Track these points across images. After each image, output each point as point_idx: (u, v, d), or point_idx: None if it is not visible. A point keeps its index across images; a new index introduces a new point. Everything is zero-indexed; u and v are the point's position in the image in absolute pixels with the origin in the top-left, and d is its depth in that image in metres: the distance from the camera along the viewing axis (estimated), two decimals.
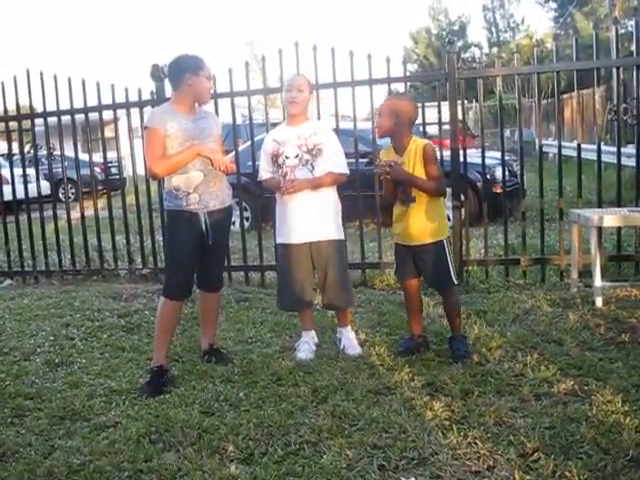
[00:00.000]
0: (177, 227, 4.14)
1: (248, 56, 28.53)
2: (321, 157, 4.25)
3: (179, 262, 4.14)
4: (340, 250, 4.40)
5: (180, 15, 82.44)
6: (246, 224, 8.32)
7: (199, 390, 3.86)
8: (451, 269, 4.23)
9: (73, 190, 10.46)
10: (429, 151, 4.10)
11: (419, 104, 5.46)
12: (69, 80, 6.75)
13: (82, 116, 7.03)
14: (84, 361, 4.54)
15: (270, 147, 4.36)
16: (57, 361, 4.55)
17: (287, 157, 4.26)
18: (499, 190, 8.24)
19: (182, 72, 4.06)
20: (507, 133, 19.36)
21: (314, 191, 4.25)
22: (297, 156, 4.24)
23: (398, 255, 4.37)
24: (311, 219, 4.26)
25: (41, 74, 6.83)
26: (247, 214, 9.62)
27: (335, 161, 4.30)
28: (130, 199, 7.10)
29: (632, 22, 6.65)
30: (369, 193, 6.09)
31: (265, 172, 4.43)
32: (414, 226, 4.15)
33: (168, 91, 5.43)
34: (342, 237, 4.43)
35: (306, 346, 4.40)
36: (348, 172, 4.40)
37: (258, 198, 6.53)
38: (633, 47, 5.70)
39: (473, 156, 7.13)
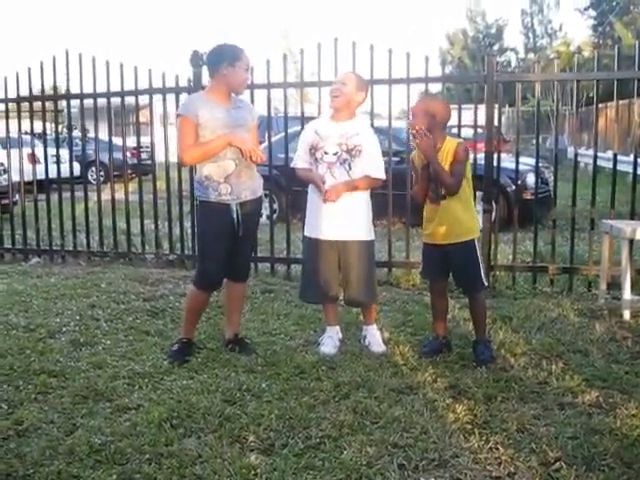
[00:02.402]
0: (209, 218, 4.16)
1: (284, 49, 28.46)
2: (360, 158, 4.23)
3: (211, 254, 4.16)
4: (369, 250, 4.39)
5: (220, 3, 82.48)
6: (274, 216, 8.34)
7: (222, 378, 3.87)
8: (482, 270, 4.22)
9: (103, 173, 10.54)
10: (460, 150, 4.07)
11: (455, 106, 5.44)
12: (107, 63, 6.79)
13: (118, 100, 7.07)
14: (108, 342, 4.58)
15: (310, 138, 4.33)
16: (82, 341, 4.59)
17: (326, 153, 4.23)
18: (529, 196, 8.21)
19: (219, 61, 4.07)
20: (540, 139, 19.18)
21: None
22: (336, 154, 4.22)
23: (427, 255, 4.34)
24: (342, 219, 4.24)
25: (80, 56, 6.88)
26: (275, 206, 9.63)
27: (374, 165, 4.28)
28: (160, 185, 7.14)
29: None
30: (399, 192, 6.06)
31: (301, 160, 4.39)
32: (445, 225, 4.12)
33: (206, 79, 5.44)
34: (372, 237, 4.40)
35: (330, 341, 4.40)
36: (384, 177, 4.39)
37: (288, 191, 6.53)
38: None
39: (504, 161, 7.08)
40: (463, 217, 4.15)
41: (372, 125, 5.93)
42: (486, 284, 4.39)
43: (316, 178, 4.26)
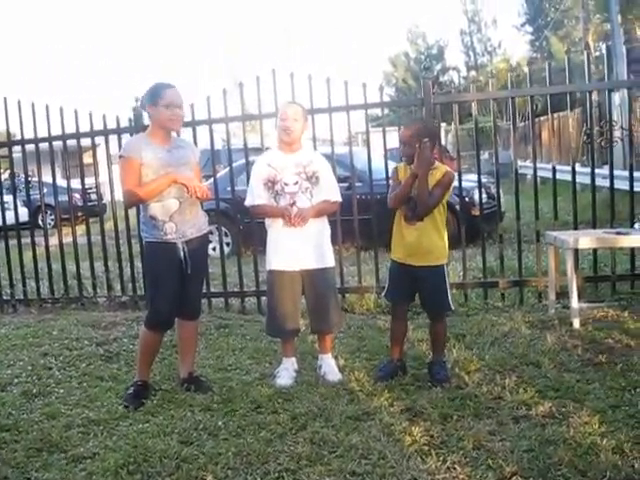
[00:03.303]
0: (156, 258, 4.15)
1: (227, 83, 28.58)
2: (318, 185, 4.29)
3: (161, 293, 4.13)
4: (332, 277, 4.46)
5: (158, 41, 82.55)
6: (226, 249, 8.30)
7: (178, 419, 3.83)
8: (449, 294, 4.24)
9: (52, 217, 10.41)
10: (446, 177, 4.14)
11: (394, 128, 5.53)
12: (47, 107, 6.74)
13: (60, 143, 7.01)
14: (62, 391, 4.49)
15: (265, 172, 4.32)
16: (34, 391, 4.50)
17: (286, 184, 4.25)
18: (477, 213, 8.32)
19: (144, 102, 4.12)
20: (486, 155, 19.47)
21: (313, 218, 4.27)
22: (297, 183, 4.26)
23: (396, 276, 4.32)
24: (306, 247, 4.27)
25: (19, 102, 6.81)
26: (227, 239, 9.60)
27: (331, 189, 4.35)
28: (109, 225, 7.07)
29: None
30: (348, 217, 6.10)
31: (257, 197, 4.36)
32: (419, 246, 4.14)
33: (146, 119, 5.44)
34: (333, 264, 4.45)
35: (285, 372, 4.39)
36: (340, 200, 4.44)
37: (238, 223, 6.53)
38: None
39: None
40: (438, 242, 4.18)
41: (333, 152, 6.02)
42: (453, 308, 4.44)
43: (279, 209, 4.26)
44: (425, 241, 4.14)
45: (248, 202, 4.43)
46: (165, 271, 4.11)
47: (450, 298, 4.26)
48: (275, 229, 4.35)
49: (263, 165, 4.39)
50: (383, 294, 4.59)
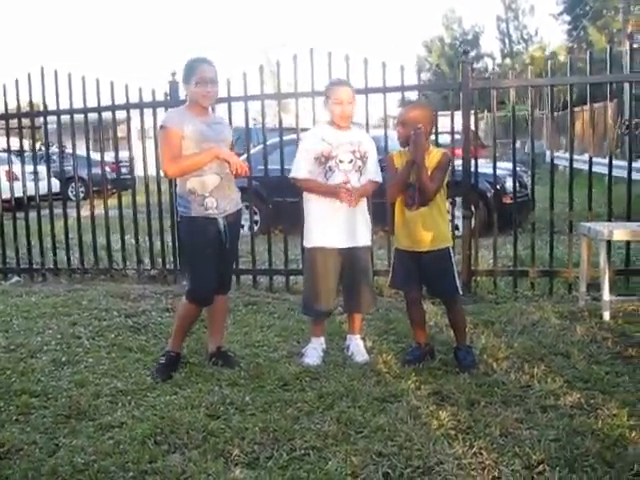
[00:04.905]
0: (196, 234, 4.13)
1: (262, 61, 28.56)
2: (366, 165, 4.30)
3: (203, 269, 4.13)
4: (369, 257, 4.53)
5: (198, 19, 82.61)
6: (255, 228, 8.32)
7: (205, 393, 3.85)
8: (457, 278, 4.23)
9: (83, 189, 10.50)
10: (444, 159, 4.12)
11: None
12: (83, 79, 6.78)
13: (95, 115, 7.05)
14: (91, 360, 4.54)
15: (319, 147, 4.25)
16: (64, 359, 4.56)
17: (341, 161, 4.22)
18: (509, 201, 8.26)
19: (181, 80, 4.13)
20: (518, 144, 19.28)
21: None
22: (351, 161, 4.24)
23: (401, 263, 4.29)
24: (350, 225, 4.27)
25: (55, 72, 6.86)
26: (257, 218, 9.62)
27: (376, 170, 4.37)
28: (140, 199, 7.12)
29: None
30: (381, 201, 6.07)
31: (305, 171, 4.29)
32: (424, 231, 4.12)
33: (182, 93, 5.44)
34: (370, 244, 4.52)
35: (314, 352, 4.40)
36: (382, 181, 4.43)
37: (268, 202, 6.54)
38: None
39: (483, 166, 7.12)
40: (441, 225, 4.18)
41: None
42: (461, 293, 4.40)
43: (333, 187, 4.21)
44: (429, 226, 4.12)
45: (296, 175, 4.33)
46: (208, 246, 4.10)
47: (458, 282, 4.24)
48: (318, 205, 4.30)
49: (316, 139, 4.31)
50: (388, 283, 4.58)
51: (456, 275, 4.23)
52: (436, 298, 4.57)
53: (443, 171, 4.12)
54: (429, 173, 4.05)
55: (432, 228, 4.13)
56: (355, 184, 4.24)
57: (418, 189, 4.08)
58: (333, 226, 4.25)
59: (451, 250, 4.23)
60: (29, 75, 6.98)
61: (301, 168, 4.31)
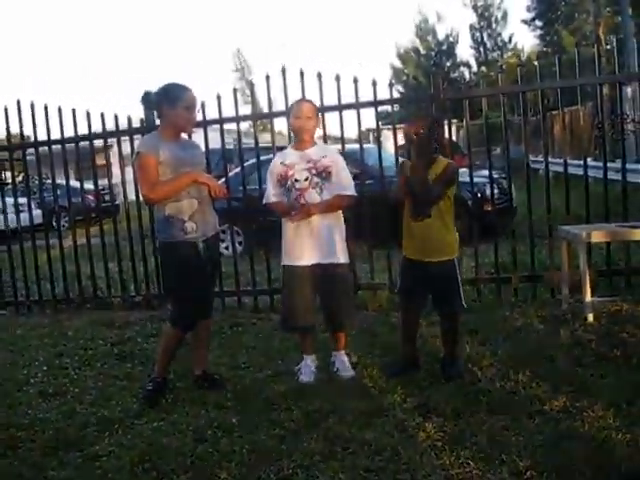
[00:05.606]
0: (177, 259, 4.13)
1: (237, 82, 28.68)
2: (330, 180, 4.27)
3: (186, 295, 4.14)
4: (344, 274, 4.41)
5: (167, 40, 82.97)
6: (239, 249, 8.32)
7: (192, 417, 3.85)
8: (461, 292, 4.20)
9: (67, 218, 10.48)
10: (447, 169, 4.07)
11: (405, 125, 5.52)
12: (59, 109, 6.80)
13: (73, 145, 7.04)
14: (77, 390, 4.53)
15: (277, 169, 4.34)
16: (50, 391, 4.55)
17: (297, 180, 4.25)
18: (490, 208, 8.29)
19: (160, 103, 4.11)
20: (498, 151, 19.35)
21: (322, 213, 4.26)
22: (307, 179, 4.25)
23: (407, 273, 4.29)
24: (319, 242, 4.26)
25: (32, 104, 6.87)
26: (239, 239, 9.62)
27: (343, 184, 4.31)
28: (123, 226, 7.10)
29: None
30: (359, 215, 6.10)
31: (272, 195, 4.38)
32: (428, 242, 4.11)
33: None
34: (347, 261, 4.43)
35: (307, 369, 4.41)
36: (355, 194, 4.42)
37: (252, 223, 6.54)
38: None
39: (463, 175, 7.15)
40: (446, 237, 4.14)
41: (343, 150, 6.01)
42: (465, 306, 4.30)
43: (286, 205, 4.28)
44: (433, 237, 4.10)
45: (266, 200, 4.45)
46: (188, 271, 4.10)
47: (462, 296, 4.19)
48: (287, 225, 4.35)
49: (277, 163, 4.40)
50: (397, 289, 4.57)
51: (461, 289, 4.19)
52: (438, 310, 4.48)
53: (445, 182, 4.06)
54: (431, 183, 4.03)
55: (436, 239, 4.11)
56: (313, 200, 4.24)
57: (417, 197, 4.07)
58: (304, 243, 4.27)
59: (456, 262, 4.20)
60: (5, 108, 6.99)
61: (269, 193, 4.42)
